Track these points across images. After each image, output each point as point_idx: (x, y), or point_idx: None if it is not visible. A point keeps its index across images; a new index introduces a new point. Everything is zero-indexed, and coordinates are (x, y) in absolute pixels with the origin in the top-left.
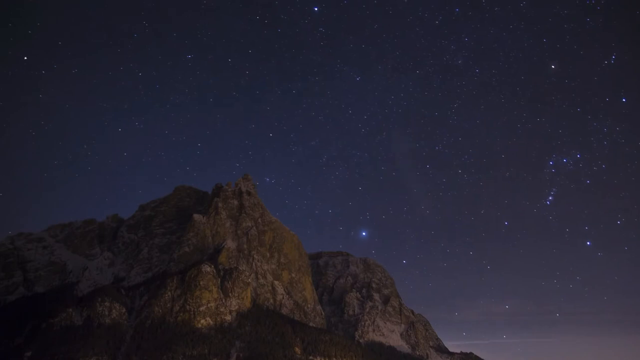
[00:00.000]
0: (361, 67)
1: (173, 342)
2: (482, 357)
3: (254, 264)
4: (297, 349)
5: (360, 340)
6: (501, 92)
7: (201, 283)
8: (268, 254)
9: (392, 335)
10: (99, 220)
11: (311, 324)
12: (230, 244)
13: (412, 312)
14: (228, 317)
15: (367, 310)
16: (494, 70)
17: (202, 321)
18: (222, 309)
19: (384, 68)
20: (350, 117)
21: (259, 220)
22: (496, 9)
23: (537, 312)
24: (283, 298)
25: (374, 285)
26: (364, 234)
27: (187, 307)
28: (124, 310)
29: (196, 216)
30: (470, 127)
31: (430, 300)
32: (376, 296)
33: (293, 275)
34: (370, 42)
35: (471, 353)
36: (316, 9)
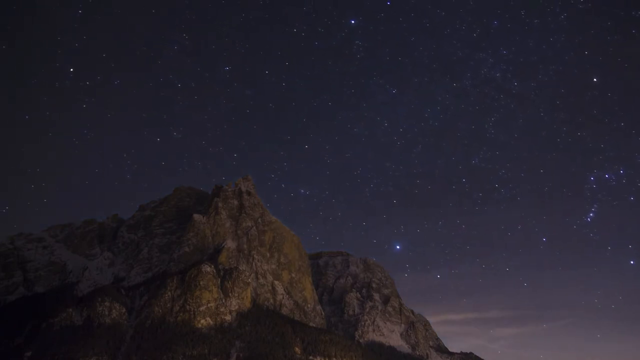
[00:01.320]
0: (397, 80)
1: (173, 342)
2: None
3: (254, 264)
4: (297, 349)
5: (360, 340)
6: (540, 105)
7: (201, 283)
8: (268, 254)
9: (392, 335)
10: (99, 220)
11: (311, 324)
12: (230, 244)
13: (412, 312)
14: (228, 317)
15: (367, 310)
16: (533, 83)
17: (202, 321)
18: (222, 309)
19: (420, 81)
20: (385, 130)
21: (259, 220)
22: (536, 21)
23: (576, 332)
24: (283, 298)
25: (374, 285)
26: (397, 247)
27: (187, 307)
28: (124, 310)
29: (196, 216)
30: (508, 141)
31: (464, 317)
32: (376, 296)
33: (293, 275)
34: (407, 55)
35: (471, 353)
36: (353, 21)
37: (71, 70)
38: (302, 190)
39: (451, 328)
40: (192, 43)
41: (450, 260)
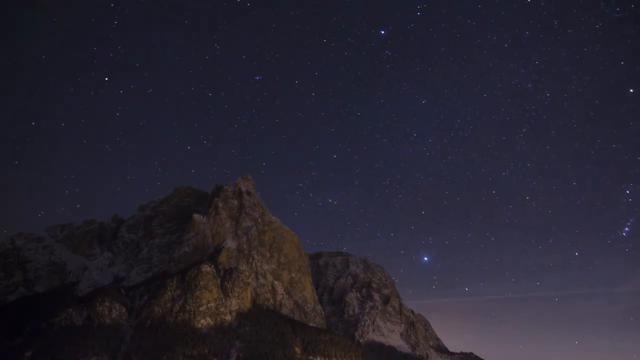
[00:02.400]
0: (427, 90)
1: (173, 342)
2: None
3: (254, 264)
4: (297, 349)
5: (360, 340)
6: (573, 117)
7: (201, 283)
8: (268, 254)
9: (392, 335)
10: (99, 220)
11: (311, 324)
12: (230, 244)
13: (412, 312)
14: (228, 317)
15: (367, 310)
16: (566, 94)
17: (202, 321)
18: (222, 309)
19: (450, 91)
20: (414, 140)
21: (259, 220)
22: (569, 31)
23: (612, 349)
24: (283, 298)
25: (374, 285)
26: (425, 259)
27: (187, 307)
28: (124, 310)
29: (196, 216)
30: (539, 152)
31: (493, 331)
32: (376, 296)
33: (293, 275)
34: (437, 65)
35: (471, 353)
36: (383, 32)
37: (106, 79)
38: (330, 200)
39: (477, 344)
40: (223, 53)
41: (479, 272)
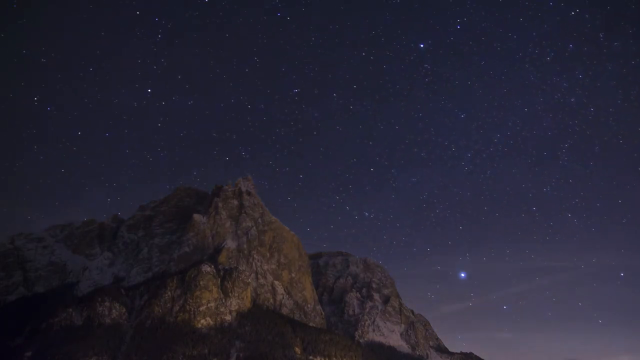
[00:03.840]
0: (466, 104)
1: (173, 342)
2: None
3: (254, 264)
4: (297, 349)
5: (360, 340)
6: (619, 132)
7: (201, 283)
8: (268, 254)
9: (392, 335)
10: (99, 220)
11: (311, 324)
12: (230, 244)
13: (412, 312)
14: (228, 317)
15: (367, 310)
16: (612, 109)
17: (202, 321)
18: (222, 309)
19: (490, 105)
20: (453, 155)
21: (259, 220)
22: (615, 43)
23: None
24: (283, 298)
25: (374, 285)
26: (462, 275)
27: (187, 307)
28: (124, 310)
29: (196, 216)
30: (583, 169)
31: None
32: (376, 296)
33: (293, 275)
34: (477, 79)
35: (471, 353)
36: (422, 45)
37: (149, 90)
38: (367, 214)
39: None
40: (263, 65)
41: (518, 292)
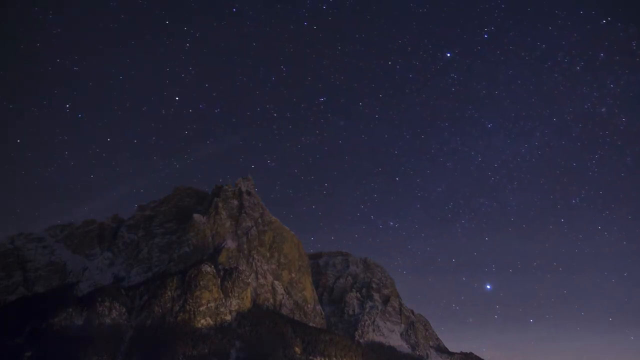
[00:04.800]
0: (493, 114)
1: (173, 342)
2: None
3: (254, 264)
4: (297, 349)
5: (360, 340)
6: None
7: (201, 283)
8: (268, 254)
9: (392, 335)
10: (99, 221)
11: (311, 324)
12: (230, 244)
13: (412, 312)
14: (228, 317)
15: (367, 310)
16: None
17: (202, 321)
18: (222, 309)
19: (517, 115)
20: (479, 165)
21: (259, 220)
22: None
23: None
24: (283, 298)
25: (374, 285)
26: (488, 287)
27: (187, 307)
28: (124, 310)
29: (196, 216)
30: (614, 180)
31: None
32: (376, 296)
33: (293, 275)
34: (504, 88)
35: (471, 353)
36: (449, 54)
37: (177, 98)
38: (391, 223)
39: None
40: (290, 74)
41: (545, 305)
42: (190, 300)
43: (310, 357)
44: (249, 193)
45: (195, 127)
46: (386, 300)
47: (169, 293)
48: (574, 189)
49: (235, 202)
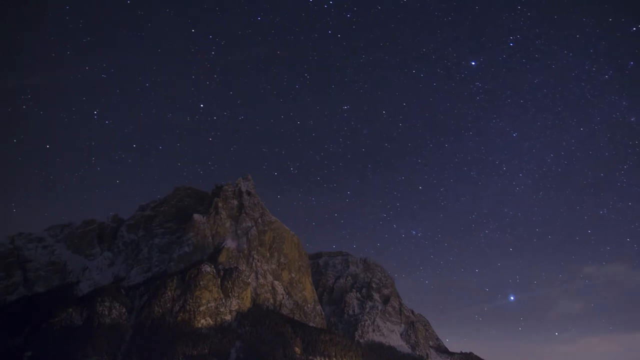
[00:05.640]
0: (518, 123)
1: (173, 342)
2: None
3: (254, 263)
4: (297, 349)
5: (360, 340)
6: None
7: (201, 283)
8: (268, 254)
9: (392, 335)
10: (99, 220)
11: (311, 324)
12: (230, 244)
13: (412, 312)
14: (228, 317)
15: (367, 310)
16: None
17: (202, 321)
18: (222, 309)
19: (543, 124)
20: (504, 174)
21: (259, 220)
22: None
23: None
24: (283, 298)
25: (373, 285)
26: (512, 298)
27: (187, 307)
28: (124, 310)
29: (196, 216)
30: None
31: None
32: (376, 296)
33: (293, 275)
34: (530, 97)
35: (471, 353)
36: (474, 63)
37: (201, 105)
38: (414, 232)
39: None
40: (313, 82)
41: (570, 317)
42: (190, 300)
43: (310, 357)
44: (248, 193)
45: (219, 134)
46: (386, 300)
47: (169, 293)
48: (601, 200)
49: (235, 202)
